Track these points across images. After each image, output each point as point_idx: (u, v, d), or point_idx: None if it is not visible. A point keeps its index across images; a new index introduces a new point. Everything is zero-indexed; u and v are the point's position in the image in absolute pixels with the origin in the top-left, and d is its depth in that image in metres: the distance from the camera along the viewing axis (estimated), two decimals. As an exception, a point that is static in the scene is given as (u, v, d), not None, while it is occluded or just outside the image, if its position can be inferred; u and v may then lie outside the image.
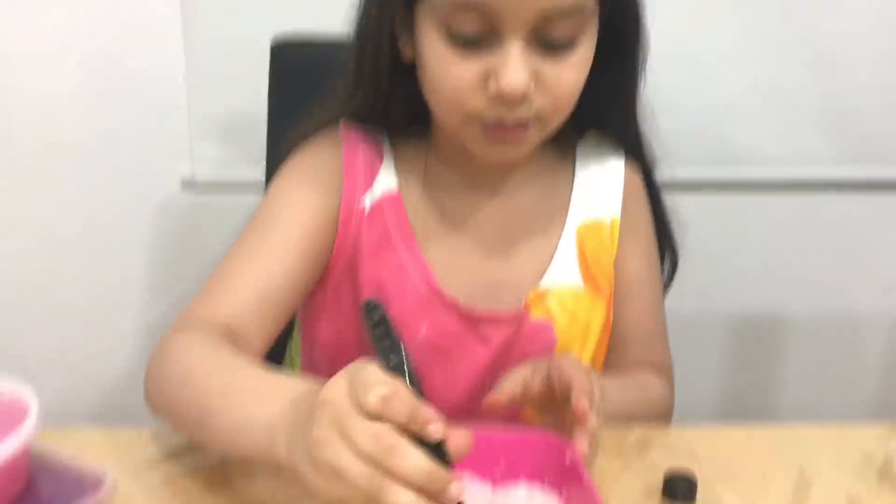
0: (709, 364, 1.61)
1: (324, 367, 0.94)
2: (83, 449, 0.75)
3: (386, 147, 0.93)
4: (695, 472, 0.75)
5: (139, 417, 0.81)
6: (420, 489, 0.51)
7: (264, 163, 1.18)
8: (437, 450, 0.53)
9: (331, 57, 1.07)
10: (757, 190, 1.52)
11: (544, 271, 0.93)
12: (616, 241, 0.96)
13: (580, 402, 0.69)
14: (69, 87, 1.40)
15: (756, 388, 1.64)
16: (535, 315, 0.91)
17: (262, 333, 0.83)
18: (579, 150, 0.98)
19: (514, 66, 0.75)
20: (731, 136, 1.47)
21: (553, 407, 0.75)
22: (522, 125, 0.81)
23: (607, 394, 0.76)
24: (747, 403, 1.64)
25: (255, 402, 0.65)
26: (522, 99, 0.77)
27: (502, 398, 0.75)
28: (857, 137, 1.47)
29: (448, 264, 0.91)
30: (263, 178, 1.16)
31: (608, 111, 0.93)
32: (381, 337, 0.57)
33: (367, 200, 0.90)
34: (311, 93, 0.97)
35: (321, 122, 0.94)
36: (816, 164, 1.49)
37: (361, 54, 0.86)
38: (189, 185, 1.46)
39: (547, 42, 0.77)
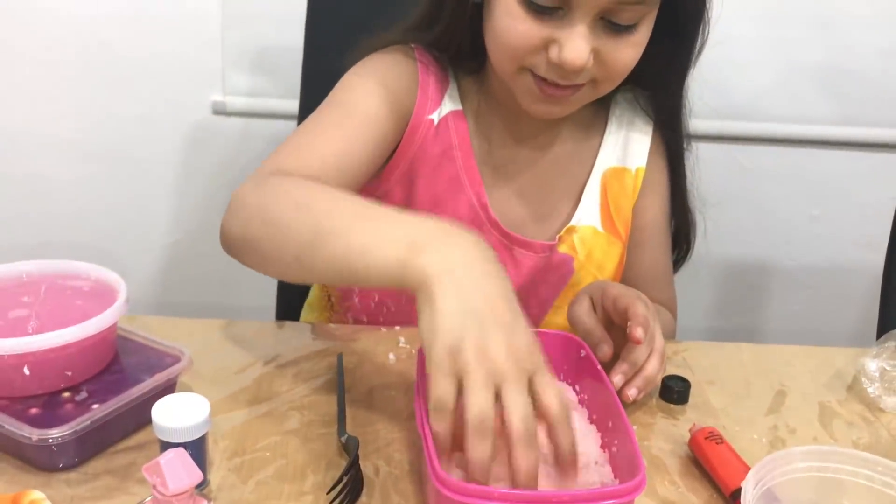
0: (703, 301, 1.66)
1: None
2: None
3: (450, 74, 0.97)
4: (688, 379, 0.85)
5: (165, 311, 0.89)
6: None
7: (298, 96, 1.20)
8: None
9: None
10: (755, 143, 1.54)
11: (573, 211, 0.99)
12: (638, 189, 1.01)
13: (635, 331, 0.76)
14: (107, 11, 1.42)
15: (744, 325, 1.71)
16: (561, 249, 0.99)
17: None
18: (614, 103, 1.02)
19: (579, 41, 0.80)
20: (735, 92, 1.49)
21: (610, 330, 0.82)
22: (575, 87, 0.86)
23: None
24: (736, 336, 1.68)
25: (389, 222, 0.69)
26: (581, 71, 0.83)
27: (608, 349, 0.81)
28: (852, 100, 1.50)
29: (492, 195, 0.97)
30: (297, 111, 1.19)
31: (655, 79, 0.97)
32: None
33: (437, 115, 0.95)
34: (347, 29, 1.00)
35: (392, 40, 0.97)
36: (814, 123, 1.52)
37: None
38: (220, 112, 1.50)
39: (610, 23, 0.82)
